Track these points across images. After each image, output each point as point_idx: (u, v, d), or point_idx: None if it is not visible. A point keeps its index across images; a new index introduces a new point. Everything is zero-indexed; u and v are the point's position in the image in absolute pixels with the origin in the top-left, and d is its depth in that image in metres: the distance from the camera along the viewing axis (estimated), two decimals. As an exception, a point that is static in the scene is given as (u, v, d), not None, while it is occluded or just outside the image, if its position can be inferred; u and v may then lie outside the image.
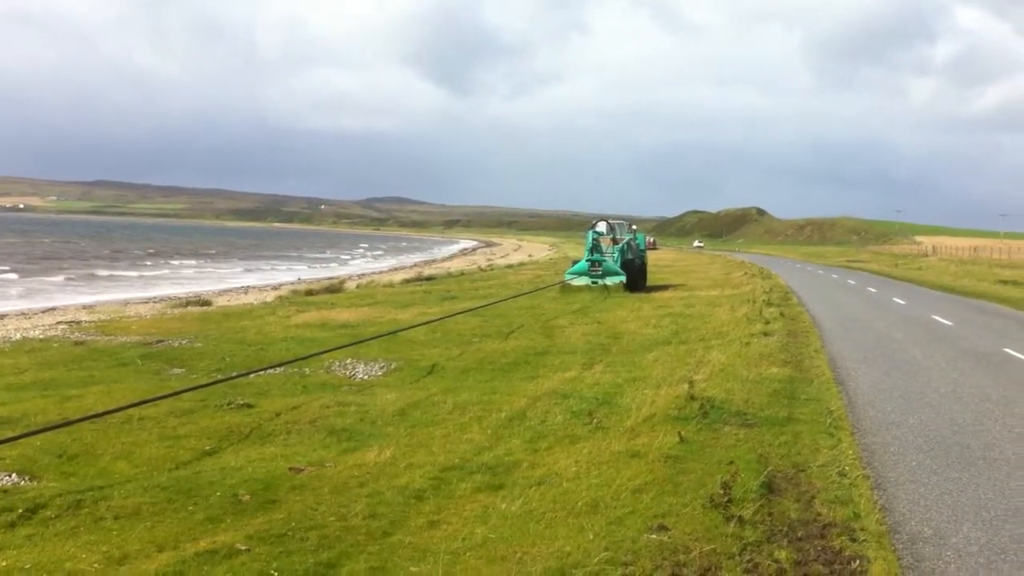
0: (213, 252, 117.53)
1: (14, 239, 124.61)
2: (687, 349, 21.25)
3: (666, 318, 28.96)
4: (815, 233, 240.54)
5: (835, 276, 65.73)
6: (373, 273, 72.74)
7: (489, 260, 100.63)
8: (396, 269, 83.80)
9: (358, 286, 48.70)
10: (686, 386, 14.62)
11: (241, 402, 14.86)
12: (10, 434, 11.73)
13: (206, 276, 70.15)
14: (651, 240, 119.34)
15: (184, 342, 22.92)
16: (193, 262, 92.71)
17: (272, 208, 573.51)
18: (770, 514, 9.06)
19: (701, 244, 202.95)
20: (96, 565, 7.73)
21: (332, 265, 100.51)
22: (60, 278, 60.59)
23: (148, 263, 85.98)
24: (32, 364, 19.16)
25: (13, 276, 60.28)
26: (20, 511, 9.22)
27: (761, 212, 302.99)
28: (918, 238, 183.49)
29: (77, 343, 22.73)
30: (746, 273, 60.56)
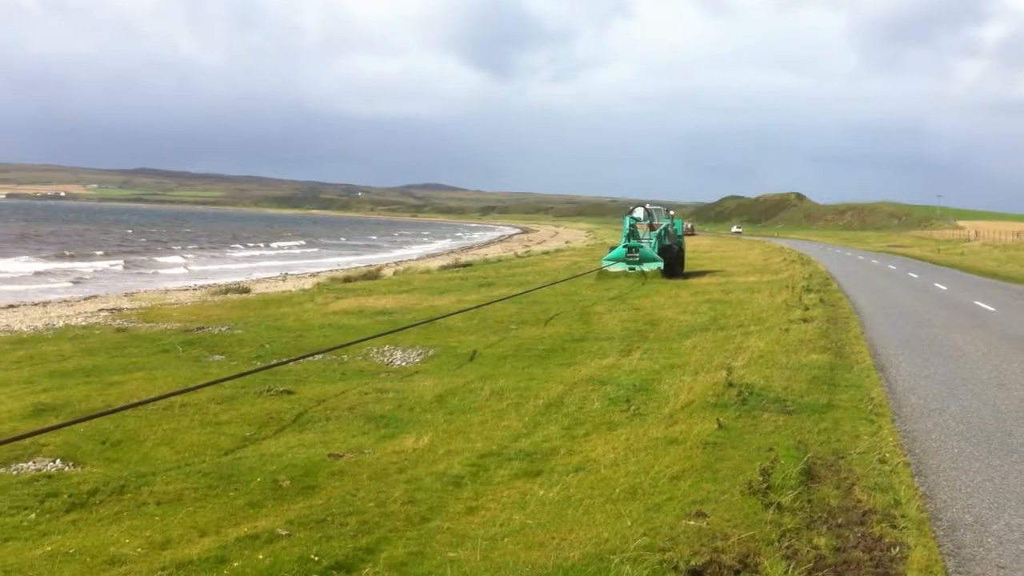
0: (302, 241, 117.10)
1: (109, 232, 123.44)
2: (725, 335, 21.13)
3: (704, 304, 28.80)
4: (855, 218, 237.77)
5: (875, 261, 65.06)
6: (410, 260, 73.04)
7: (526, 246, 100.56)
8: (433, 256, 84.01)
9: (395, 273, 48.88)
10: (724, 373, 14.54)
11: (281, 389, 14.98)
12: (55, 421, 11.92)
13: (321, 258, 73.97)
14: (689, 226, 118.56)
15: (224, 329, 23.14)
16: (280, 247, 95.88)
17: (309, 195, 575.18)
18: (809, 501, 9.01)
19: (740, 230, 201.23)
20: (139, 550, 7.84)
21: (421, 246, 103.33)
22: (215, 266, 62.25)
23: (256, 252, 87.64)
24: (75, 351, 19.42)
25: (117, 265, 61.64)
26: (64, 497, 9.38)
27: (800, 197, 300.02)
28: (960, 223, 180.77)
29: (119, 330, 23.01)
30: (785, 259, 60.06)
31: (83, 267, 58.82)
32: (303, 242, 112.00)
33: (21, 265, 57.76)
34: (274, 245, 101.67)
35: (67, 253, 70.36)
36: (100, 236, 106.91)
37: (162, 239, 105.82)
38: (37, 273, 52.44)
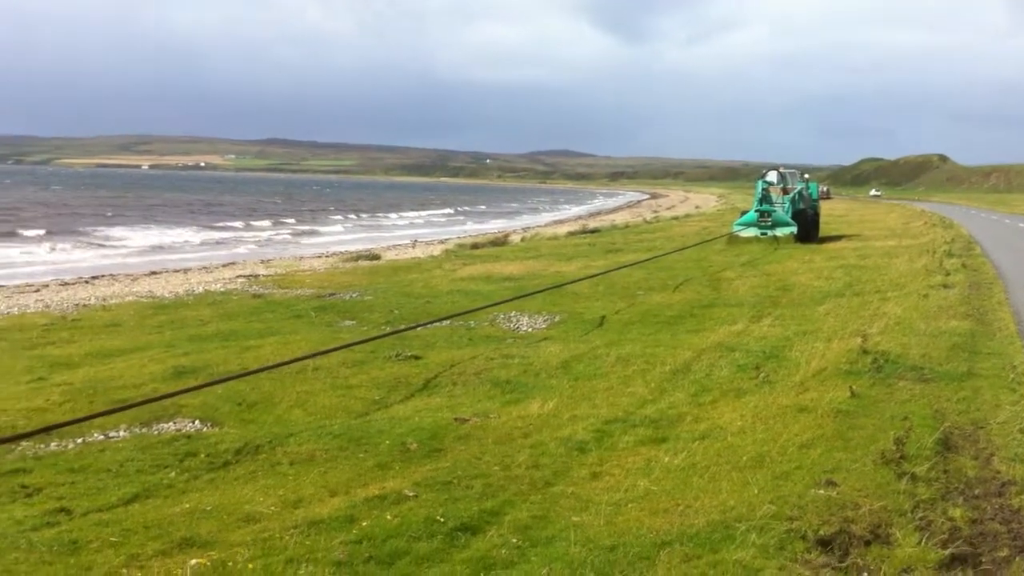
0: (449, 209, 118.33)
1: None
2: (861, 301, 20.54)
3: (839, 269, 28.06)
4: (1001, 180, 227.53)
5: (1022, 225, 62.20)
6: (538, 226, 73.18)
7: (655, 212, 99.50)
8: (560, 222, 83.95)
9: (523, 239, 49.05)
10: (859, 339, 14.16)
11: (409, 354, 15.21)
12: (194, 383, 12.38)
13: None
14: (824, 189, 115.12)
15: (355, 295, 23.66)
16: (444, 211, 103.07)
17: (438, 163, 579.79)
18: (945, 471, 8.71)
19: (878, 193, 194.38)
20: (273, 508, 8.09)
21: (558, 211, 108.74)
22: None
23: (404, 220, 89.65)
24: (214, 316, 20.14)
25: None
26: (202, 456, 9.77)
27: (943, 159, 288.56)
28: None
29: (255, 296, 23.77)
30: (926, 222, 57.93)
31: (248, 235, 61.46)
32: (450, 210, 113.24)
33: (192, 234, 60.31)
34: (424, 213, 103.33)
35: (231, 224, 72.48)
36: (256, 204, 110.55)
37: (312, 207, 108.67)
38: (212, 242, 54.89)
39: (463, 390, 12.96)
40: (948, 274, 24.80)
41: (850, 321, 17.44)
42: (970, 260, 30.53)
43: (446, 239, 55.30)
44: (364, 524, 7.58)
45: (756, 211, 40.76)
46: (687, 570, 6.67)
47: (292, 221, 78.65)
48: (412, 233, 66.01)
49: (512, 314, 19.73)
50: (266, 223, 75.16)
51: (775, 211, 40.45)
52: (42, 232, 56.08)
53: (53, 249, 46.32)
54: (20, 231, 56.89)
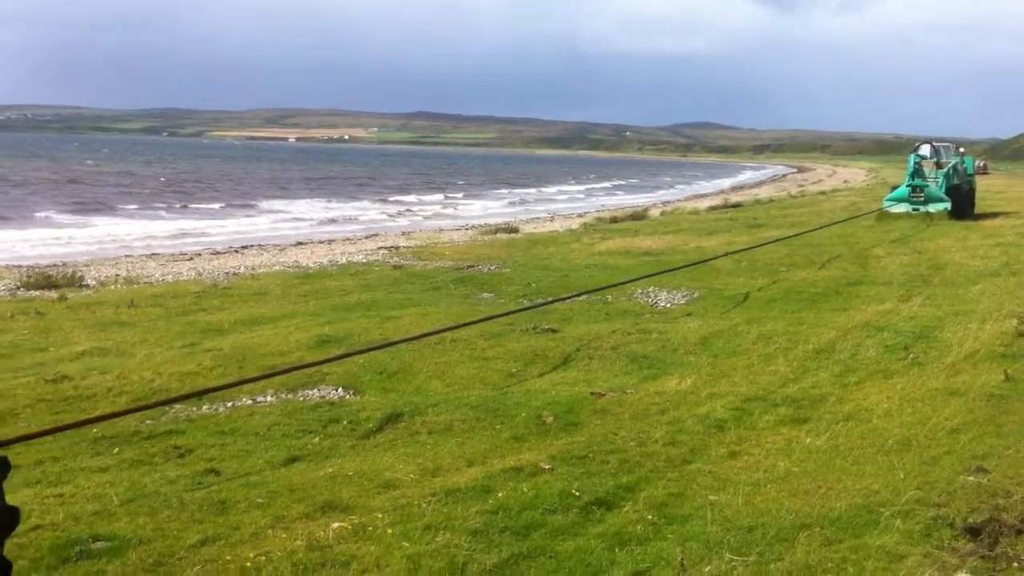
0: (607, 183, 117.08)
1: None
2: (1018, 282, 19.62)
3: (995, 248, 26.83)
4: None
5: None
6: (677, 200, 72.30)
7: (800, 186, 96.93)
8: (700, 196, 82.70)
9: (662, 213, 48.56)
10: (1015, 321, 13.54)
11: (546, 327, 15.25)
12: (337, 351, 12.70)
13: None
14: (981, 164, 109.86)
15: (493, 268, 23.85)
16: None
17: (578, 136, 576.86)
18: (1105, 460, 8.26)
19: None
20: (411, 475, 8.24)
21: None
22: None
23: (564, 194, 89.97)
24: (356, 286, 20.63)
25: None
26: (345, 423, 10.02)
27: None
28: None
29: (396, 267, 24.26)
30: (1091, 199, 54.88)
31: (417, 208, 63.21)
32: (608, 184, 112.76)
33: (362, 207, 62.04)
34: (582, 187, 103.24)
35: (402, 198, 73.46)
36: (414, 178, 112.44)
37: (470, 180, 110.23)
38: (386, 215, 56.30)
39: (600, 364, 12.93)
40: (1115, 253, 23.45)
41: (1006, 302, 16.67)
42: None
43: (584, 212, 55.16)
44: (500, 495, 7.66)
45: (908, 186, 39.28)
46: (827, 554, 6.51)
47: (460, 196, 79.71)
48: (578, 206, 66.05)
49: (650, 289, 19.55)
50: (437, 196, 76.56)
51: (928, 186, 38.92)
52: (217, 206, 58.23)
53: (229, 220, 48.55)
54: (192, 204, 59.27)
